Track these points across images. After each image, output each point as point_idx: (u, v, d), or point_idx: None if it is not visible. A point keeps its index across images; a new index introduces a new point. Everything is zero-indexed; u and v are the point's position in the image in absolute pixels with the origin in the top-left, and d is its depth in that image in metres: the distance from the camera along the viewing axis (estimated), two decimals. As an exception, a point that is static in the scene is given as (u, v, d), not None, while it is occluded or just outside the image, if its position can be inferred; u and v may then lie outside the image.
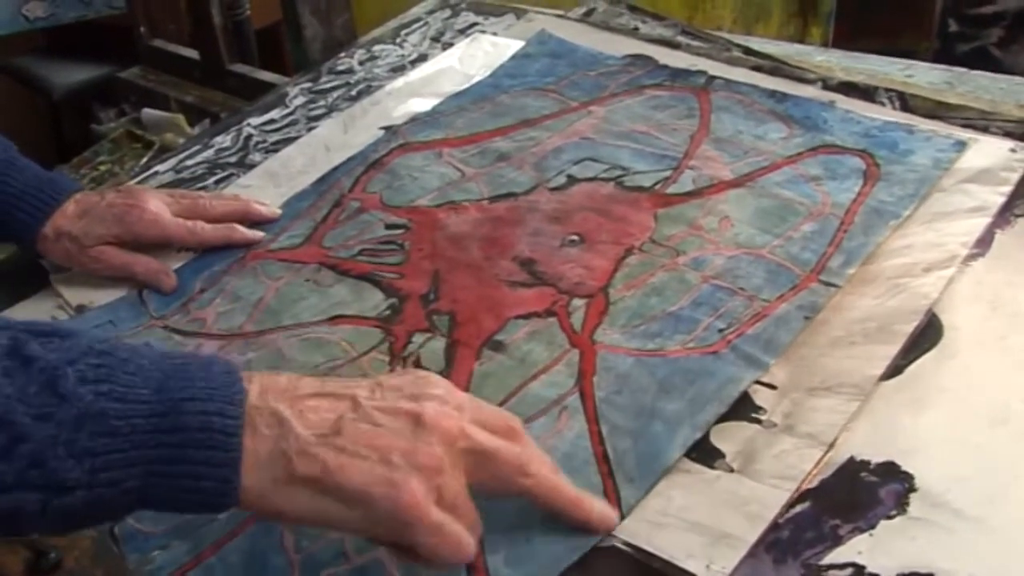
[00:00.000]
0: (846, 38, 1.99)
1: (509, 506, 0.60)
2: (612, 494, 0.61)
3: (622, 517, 0.59)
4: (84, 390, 0.49)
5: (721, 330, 0.71)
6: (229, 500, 0.51)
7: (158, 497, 0.51)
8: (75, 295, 0.85)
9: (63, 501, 0.48)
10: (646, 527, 0.59)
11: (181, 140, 1.39)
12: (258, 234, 0.89)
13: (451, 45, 1.15)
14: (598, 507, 0.59)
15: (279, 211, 0.92)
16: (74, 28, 2.60)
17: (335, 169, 0.96)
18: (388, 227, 0.87)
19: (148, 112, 1.57)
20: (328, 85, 1.13)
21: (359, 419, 0.53)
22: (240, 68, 1.54)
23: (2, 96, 2.73)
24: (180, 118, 1.53)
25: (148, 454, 0.49)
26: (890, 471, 0.59)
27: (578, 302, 0.75)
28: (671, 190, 0.85)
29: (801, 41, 1.89)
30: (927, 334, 0.68)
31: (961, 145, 0.84)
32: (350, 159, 0.97)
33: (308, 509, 0.52)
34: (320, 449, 0.51)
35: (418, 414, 0.53)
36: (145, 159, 1.40)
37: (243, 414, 0.51)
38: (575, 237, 0.81)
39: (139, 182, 1.02)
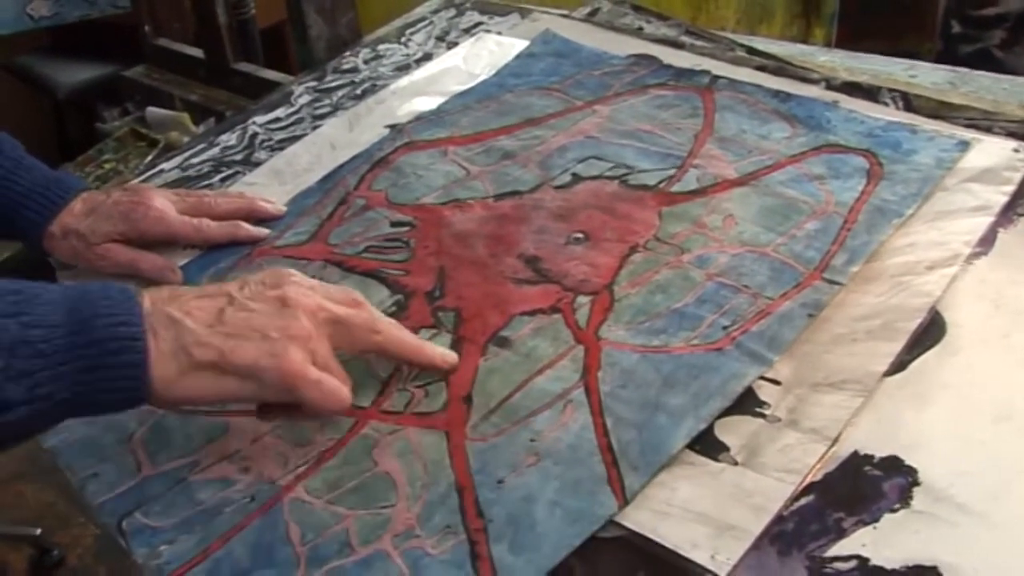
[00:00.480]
0: (849, 39, 1.99)
1: (513, 495, 0.61)
2: (616, 482, 0.61)
3: (626, 503, 0.60)
4: (9, 322, 0.56)
5: (725, 327, 0.71)
6: (142, 393, 0.60)
7: (85, 401, 0.58)
8: (81, 292, 0.85)
9: (7, 418, 0.56)
10: (651, 517, 0.59)
11: (186, 139, 1.40)
12: (263, 231, 0.89)
13: (456, 44, 1.16)
14: (439, 350, 0.71)
15: (284, 208, 0.92)
16: (78, 27, 2.61)
17: (341, 167, 0.97)
18: (394, 224, 0.87)
19: (153, 111, 1.57)
20: (333, 84, 1.13)
21: (237, 309, 0.62)
22: (245, 67, 1.54)
23: (6, 95, 2.73)
24: (185, 117, 1.53)
25: (73, 367, 0.57)
26: (894, 465, 0.59)
27: (583, 299, 0.76)
28: (675, 188, 0.86)
29: (804, 42, 1.89)
30: (930, 331, 0.68)
31: (964, 145, 0.84)
32: (356, 157, 0.97)
33: (210, 389, 0.61)
34: (212, 337, 0.60)
35: (283, 296, 0.63)
36: (150, 157, 1.40)
37: (142, 321, 0.59)
38: (580, 235, 0.82)
39: (145, 180, 1.02)
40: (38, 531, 0.67)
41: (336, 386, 0.63)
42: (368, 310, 0.68)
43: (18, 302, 0.58)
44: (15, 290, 0.59)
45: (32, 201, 0.85)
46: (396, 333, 0.69)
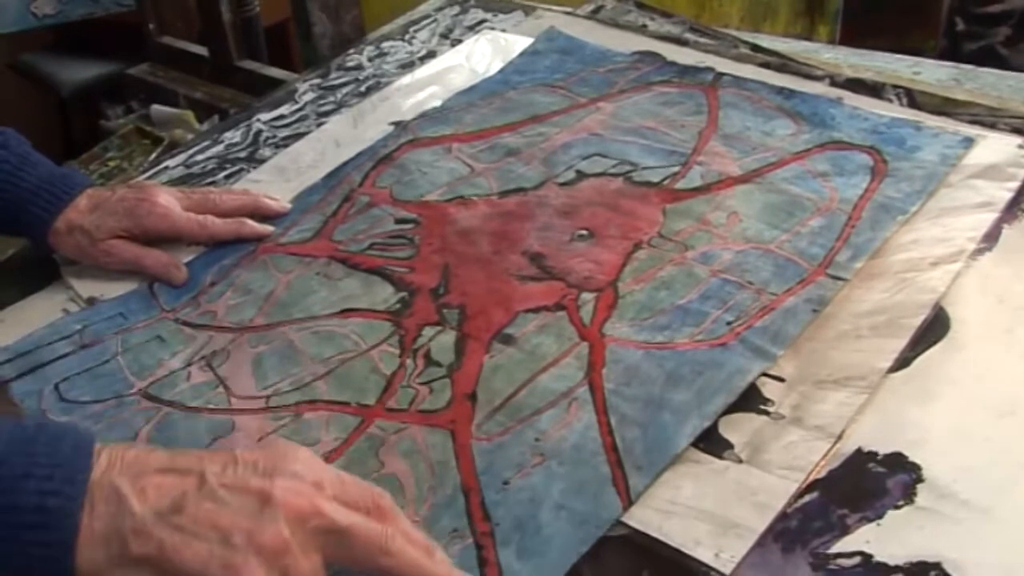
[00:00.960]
0: (853, 37, 1.99)
1: (519, 497, 0.61)
2: (621, 483, 0.61)
3: (630, 504, 0.60)
4: None
5: (729, 323, 0.71)
6: (64, 571, 0.50)
7: None
8: (86, 288, 0.85)
9: None
10: (655, 515, 0.59)
11: (190, 136, 1.40)
12: (268, 228, 0.89)
13: (460, 42, 1.16)
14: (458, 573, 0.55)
15: (289, 205, 0.92)
16: (82, 25, 2.61)
17: (345, 164, 0.96)
18: (398, 221, 0.87)
19: (157, 108, 1.58)
20: (337, 81, 1.13)
21: (203, 497, 0.51)
22: (249, 65, 1.55)
23: (10, 93, 2.73)
24: (189, 114, 1.53)
25: None
26: (898, 462, 0.60)
27: (587, 296, 0.76)
28: (679, 185, 0.86)
29: (808, 39, 1.89)
30: (934, 327, 0.68)
31: (968, 142, 0.84)
32: (360, 154, 0.97)
33: None
34: (157, 528, 0.50)
35: (267, 492, 0.51)
36: (154, 155, 1.40)
37: (83, 492, 0.50)
38: (584, 232, 0.82)
39: (149, 177, 1.02)
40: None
41: None
42: (390, 519, 0.54)
43: None
44: None
45: (38, 197, 0.85)
46: (413, 558, 0.53)
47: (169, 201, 0.87)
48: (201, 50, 1.63)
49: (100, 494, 0.50)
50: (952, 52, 2.26)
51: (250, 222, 0.89)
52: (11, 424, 0.53)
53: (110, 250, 0.85)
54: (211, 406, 0.72)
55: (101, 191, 0.88)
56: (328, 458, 0.66)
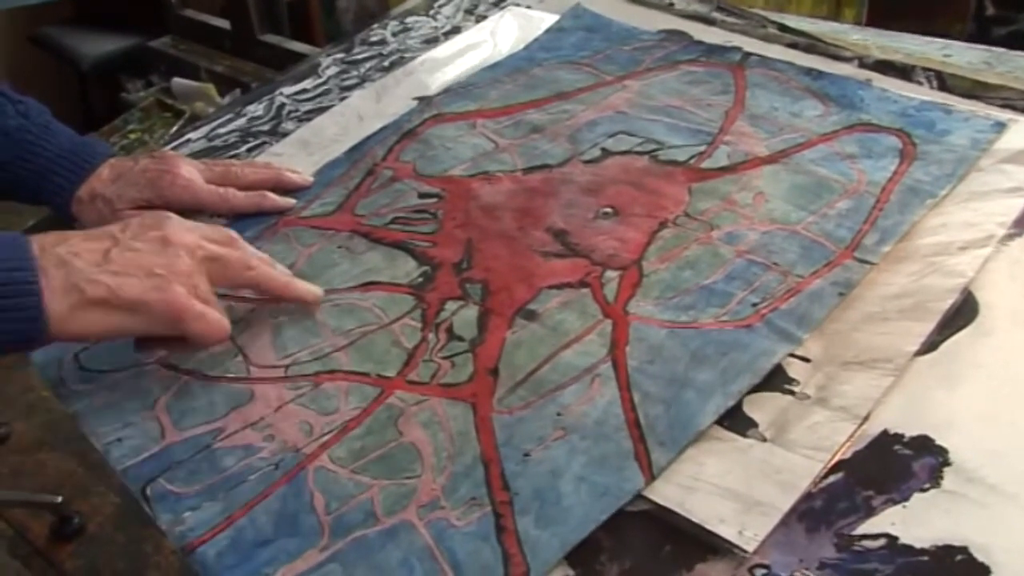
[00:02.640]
0: (879, 20, 1.97)
1: (539, 469, 0.61)
2: (643, 457, 0.61)
3: (652, 479, 0.60)
4: None
5: (755, 304, 0.71)
6: (39, 331, 0.63)
7: None
8: (108, 257, 0.85)
9: None
10: (678, 491, 0.59)
11: (211, 109, 1.40)
12: (290, 201, 0.89)
13: (484, 18, 1.15)
14: (307, 286, 0.75)
15: (311, 179, 0.92)
16: (102, -1, 2.62)
17: (368, 138, 0.96)
18: (421, 196, 0.87)
19: (178, 81, 1.58)
20: (361, 56, 1.13)
21: (122, 249, 0.67)
22: (271, 39, 1.54)
23: (31, 66, 2.74)
24: (210, 88, 1.53)
25: None
26: (924, 445, 0.59)
27: (611, 274, 0.75)
28: (705, 165, 0.85)
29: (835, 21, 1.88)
30: (963, 311, 0.67)
31: (1000, 126, 0.83)
32: (383, 128, 0.97)
33: (101, 323, 0.65)
34: (101, 275, 0.64)
35: (164, 236, 0.68)
36: (176, 127, 1.40)
37: (34, 264, 0.63)
38: (609, 210, 0.81)
39: (172, 149, 1.02)
40: (59, 499, 0.68)
41: (217, 318, 0.68)
42: (242, 248, 0.73)
43: None
44: None
45: (60, 167, 0.86)
46: (268, 270, 0.74)
47: (191, 173, 0.87)
48: (223, 23, 1.63)
49: (48, 262, 0.64)
50: (980, 36, 2.23)
51: (272, 195, 0.89)
52: None
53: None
54: (230, 375, 0.72)
55: (124, 161, 0.88)
56: (346, 426, 0.67)
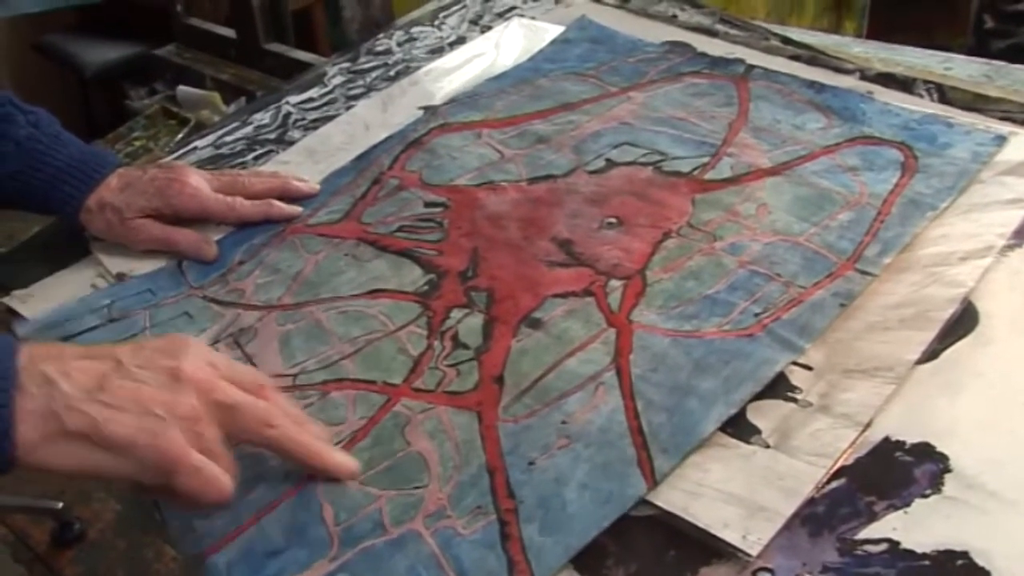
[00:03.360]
0: (880, 33, 1.98)
1: (544, 477, 0.62)
2: (646, 464, 0.62)
3: (655, 485, 0.60)
4: None
5: (757, 314, 0.71)
6: (4, 455, 0.54)
7: None
8: (115, 263, 0.86)
9: None
10: (683, 496, 0.60)
11: (216, 118, 1.41)
12: (296, 209, 0.90)
13: (489, 28, 1.16)
14: (339, 457, 0.64)
15: (318, 187, 0.92)
16: (105, 7, 2.62)
17: (374, 147, 0.97)
18: (427, 205, 0.88)
19: (183, 89, 1.59)
20: (367, 65, 1.14)
21: (122, 376, 0.57)
22: (276, 47, 1.55)
23: (34, 73, 2.75)
24: (215, 96, 1.54)
25: None
26: (925, 452, 0.60)
27: (615, 283, 0.76)
28: (709, 176, 0.86)
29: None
30: (963, 321, 0.68)
31: (1000, 139, 0.84)
32: (389, 137, 0.98)
33: (80, 461, 0.56)
34: (87, 405, 0.55)
35: (176, 369, 0.58)
36: (181, 135, 1.41)
37: (14, 379, 0.55)
38: (613, 220, 0.82)
39: (178, 157, 1.03)
40: (60, 505, 0.67)
41: (217, 475, 0.58)
42: (271, 399, 0.63)
43: None
44: None
45: (69, 176, 0.86)
46: (291, 431, 0.62)
47: (199, 182, 0.88)
48: (228, 32, 1.64)
49: (30, 379, 0.55)
50: (980, 50, 2.24)
51: (279, 203, 0.90)
52: None
53: (139, 228, 0.86)
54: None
55: (132, 171, 0.89)
56: (354, 437, 0.67)
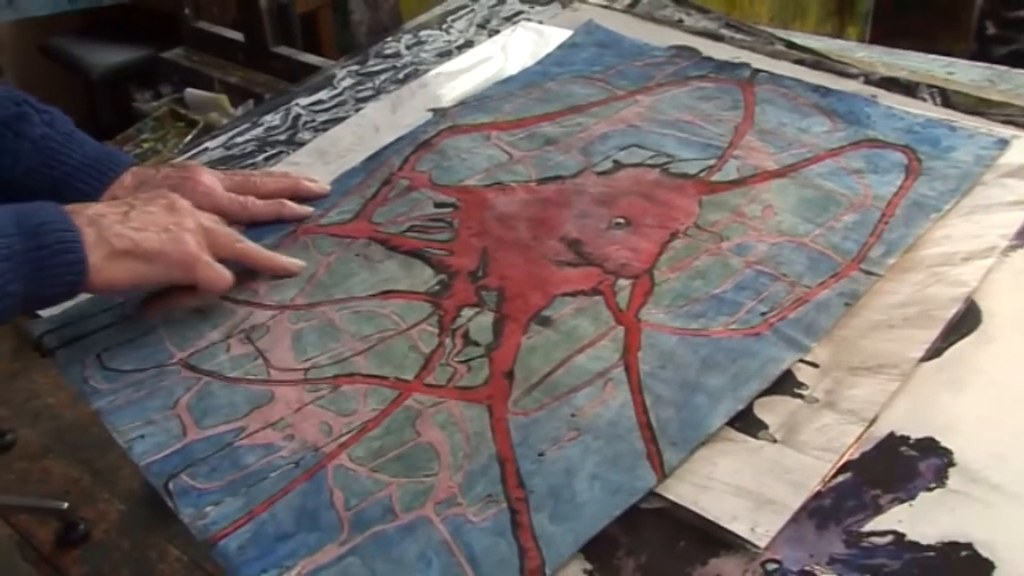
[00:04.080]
0: (882, 39, 1.99)
1: (554, 468, 0.63)
2: (655, 457, 0.63)
3: (664, 477, 0.62)
4: None
5: (763, 313, 0.73)
6: (82, 279, 0.72)
7: (35, 294, 0.71)
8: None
9: None
10: (693, 489, 0.61)
11: (224, 120, 1.42)
12: (307, 209, 0.91)
13: (497, 32, 1.18)
14: (284, 261, 0.84)
15: (329, 188, 0.93)
16: (111, 11, 2.63)
17: (384, 148, 0.98)
18: (437, 205, 0.89)
19: (191, 92, 1.60)
20: (375, 68, 1.15)
21: (138, 212, 0.76)
22: (284, 51, 1.56)
23: (40, 76, 2.76)
24: (223, 98, 1.55)
25: (28, 266, 0.70)
26: (930, 446, 0.61)
27: (623, 282, 0.77)
28: (716, 178, 0.87)
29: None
30: (966, 319, 0.69)
31: (1003, 143, 0.85)
32: (399, 139, 0.99)
33: (128, 272, 0.74)
34: (125, 230, 0.74)
35: (171, 202, 0.78)
36: (190, 136, 1.42)
37: (71, 222, 0.72)
38: (621, 220, 0.83)
39: (189, 158, 1.04)
40: (65, 505, 0.68)
41: (222, 269, 0.78)
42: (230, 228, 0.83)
43: None
44: None
45: (83, 174, 0.87)
46: (253, 244, 0.83)
47: (212, 181, 0.89)
48: (236, 35, 1.65)
49: (81, 222, 0.73)
50: (982, 56, 2.25)
51: (290, 203, 0.91)
52: (3, 206, 0.73)
53: None
54: (250, 376, 0.73)
55: (145, 170, 0.90)
56: (365, 427, 0.68)
